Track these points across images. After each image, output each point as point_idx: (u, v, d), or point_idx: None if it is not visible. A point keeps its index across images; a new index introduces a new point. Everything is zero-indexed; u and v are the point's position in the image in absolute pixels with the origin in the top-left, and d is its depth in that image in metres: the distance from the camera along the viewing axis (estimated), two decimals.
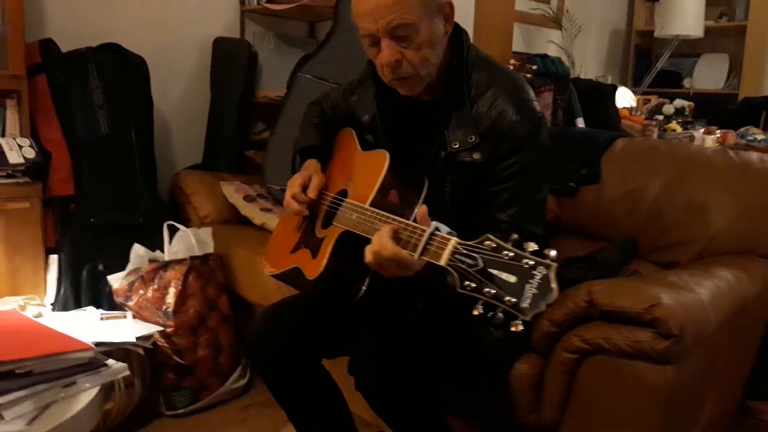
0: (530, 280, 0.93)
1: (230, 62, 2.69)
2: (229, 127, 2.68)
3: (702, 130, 3.09)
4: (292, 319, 1.41)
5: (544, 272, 0.92)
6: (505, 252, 0.96)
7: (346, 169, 1.49)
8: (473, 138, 1.28)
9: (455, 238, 1.02)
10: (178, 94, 2.71)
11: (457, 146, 1.30)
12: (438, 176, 1.32)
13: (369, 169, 1.37)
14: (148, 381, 1.93)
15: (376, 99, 1.42)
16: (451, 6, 1.28)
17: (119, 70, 2.30)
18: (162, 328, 1.96)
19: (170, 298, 2.01)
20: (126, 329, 1.86)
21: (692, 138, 2.99)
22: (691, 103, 3.46)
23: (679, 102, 3.44)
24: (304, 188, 1.44)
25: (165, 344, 1.98)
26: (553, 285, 0.91)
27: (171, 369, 1.99)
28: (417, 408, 1.23)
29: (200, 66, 2.73)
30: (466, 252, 0.99)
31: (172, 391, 1.99)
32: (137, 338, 1.83)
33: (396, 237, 1.11)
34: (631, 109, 3.48)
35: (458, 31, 1.33)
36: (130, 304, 2.01)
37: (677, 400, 1.28)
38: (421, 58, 1.24)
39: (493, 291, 0.94)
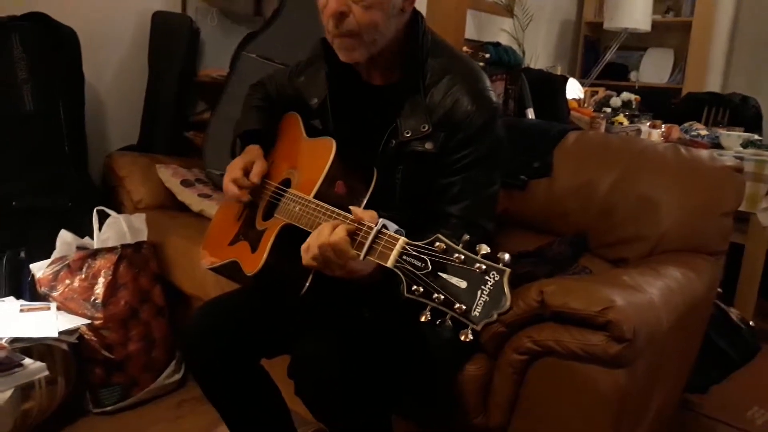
0: (482, 287, 0.87)
1: (170, 38, 2.54)
2: (167, 107, 2.53)
3: (648, 124, 3.12)
4: (229, 317, 1.32)
5: (497, 278, 0.86)
6: (456, 255, 0.89)
7: (290, 157, 1.40)
8: (426, 127, 1.22)
9: (403, 238, 0.95)
10: (113, 70, 2.54)
11: (409, 135, 1.23)
12: (388, 166, 1.26)
13: (314, 157, 1.29)
14: (73, 378, 1.80)
15: (327, 80, 1.33)
16: None
17: (47, 42, 2.13)
18: (89, 321, 1.84)
19: (99, 289, 1.88)
20: (48, 322, 1.73)
21: (639, 131, 3.01)
22: (638, 97, 3.49)
23: (626, 95, 3.47)
24: (246, 173, 1.34)
25: (93, 338, 1.85)
26: (506, 292, 0.85)
27: (99, 364, 1.86)
28: (360, 415, 1.16)
29: (137, 41, 2.57)
30: (414, 253, 0.93)
31: (100, 388, 1.87)
32: (61, 332, 1.71)
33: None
34: (579, 101, 3.49)
35: (414, 15, 1.26)
36: (55, 294, 1.87)
37: (627, 403, 1.25)
38: (368, 20, 1.16)
39: (443, 297, 0.88)
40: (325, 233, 1.03)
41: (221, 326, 1.31)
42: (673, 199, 1.64)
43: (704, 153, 1.73)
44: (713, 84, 4.47)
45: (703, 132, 3.11)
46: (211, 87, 2.57)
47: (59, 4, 2.27)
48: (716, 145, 2.94)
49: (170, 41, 2.53)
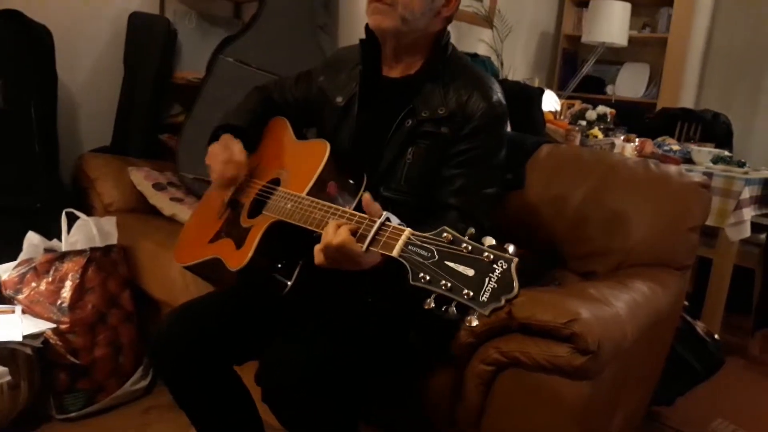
0: (490, 274, 0.87)
1: (147, 39, 2.52)
2: (141, 109, 2.51)
3: (622, 138, 3.16)
4: (198, 322, 1.31)
5: (505, 266, 0.87)
6: (464, 245, 0.90)
7: (278, 158, 1.42)
8: (443, 110, 1.30)
9: (409, 229, 0.97)
10: (88, 70, 2.52)
11: (426, 115, 1.30)
12: (400, 146, 1.32)
13: (306, 158, 1.31)
14: (36, 383, 1.77)
15: (361, 78, 1.40)
16: None
17: (19, 40, 2.10)
18: (55, 325, 1.80)
19: (66, 292, 1.85)
20: (13, 326, 1.70)
21: (613, 145, 3.05)
22: (613, 110, 3.54)
23: (601, 108, 3.51)
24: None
25: (58, 342, 1.81)
26: (515, 279, 0.86)
27: (64, 369, 1.83)
28: (326, 424, 1.16)
29: (113, 41, 2.54)
30: (420, 243, 0.93)
31: (64, 394, 1.83)
32: (25, 336, 1.68)
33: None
34: (555, 113, 3.53)
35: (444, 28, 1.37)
36: (20, 297, 1.84)
37: (591, 414, 1.27)
38: None
39: (449, 284, 0.88)
40: (330, 234, 1.04)
41: (190, 332, 1.30)
42: (642, 213, 1.66)
43: (673, 169, 1.75)
44: (687, 100, 4.55)
45: (676, 147, 3.16)
46: (187, 89, 2.55)
47: (34, 2, 2.24)
48: (688, 160, 2.98)
49: (147, 42, 2.51)
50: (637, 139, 3.14)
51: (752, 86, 4.43)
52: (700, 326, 2.03)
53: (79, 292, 1.86)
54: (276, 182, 1.34)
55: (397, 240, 0.96)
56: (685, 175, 1.72)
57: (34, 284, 1.85)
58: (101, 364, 1.89)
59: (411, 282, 0.91)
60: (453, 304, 0.88)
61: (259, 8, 2.38)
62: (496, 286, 0.86)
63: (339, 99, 1.42)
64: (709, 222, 2.52)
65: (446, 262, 0.90)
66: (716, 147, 3.20)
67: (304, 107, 1.52)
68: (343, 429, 1.22)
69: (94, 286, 1.90)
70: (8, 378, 1.49)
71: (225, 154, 1.37)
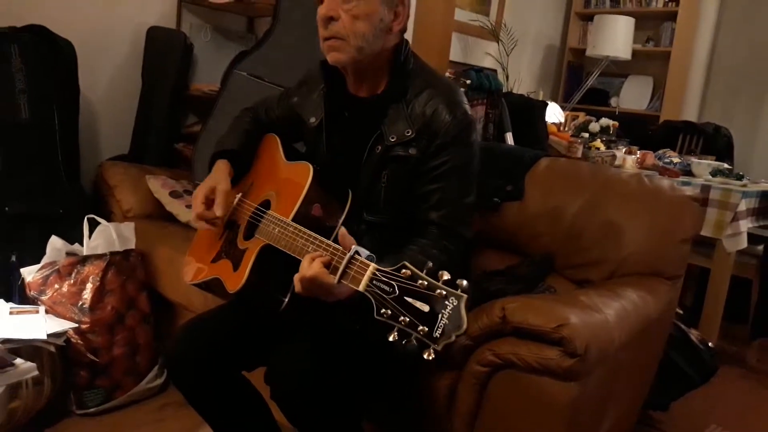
0: (442, 311, 0.97)
1: (164, 53, 2.63)
2: (158, 119, 2.62)
3: (624, 150, 3.24)
4: (209, 337, 1.39)
5: (455, 303, 0.97)
6: (420, 281, 0.99)
7: (269, 179, 1.49)
8: (410, 132, 1.33)
9: (374, 264, 1.05)
10: (108, 81, 2.63)
11: (394, 139, 1.33)
12: (374, 171, 1.36)
13: (292, 181, 1.38)
14: (59, 379, 1.87)
15: (325, 100, 1.44)
16: (404, 4, 1.34)
17: (45, 54, 2.21)
18: (76, 325, 1.90)
19: (87, 294, 1.95)
20: (37, 325, 1.80)
21: (614, 157, 3.12)
22: (616, 123, 3.61)
23: (604, 121, 3.59)
24: (209, 201, 1.43)
25: (79, 341, 1.91)
26: (463, 316, 0.96)
27: (84, 367, 1.93)
28: (332, 421, 1.24)
29: (132, 54, 2.66)
30: (384, 279, 1.02)
31: (84, 390, 1.93)
32: (49, 335, 1.77)
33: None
34: (559, 125, 3.61)
35: (402, 40, 1.39)
36: (44, 298, 1.94)
37: (580, 414, 1.34)
38: (353, 28, 1.28)
39: (408, 319, 0.98)
40: (305, 266, 1.13)
41: (202, 346, 1.38)
42: (635, 225, 1.73)
43: (665, 182, 1.83)
44: (690, 112, 4.62)
45: (676, 159, 3.23)
46: (203, 100, 2.65)
47: (58, 17, 2.36)
48: (688, 172, 3.06)
49: (164, 55, 2.62)
50: (638, 152, 3.21)
51: (754, 100, 4.50)
52: (694, 334, 2.10)
53: (99, 294, 1.96)
54: (267, 203, 1.41)
55: (363, 274, 1.04)
56: (677, 188, 1.80)
57: (57, 286, 1.95)
58: (119, 362, 1.99)
59: (375, 316, 1.00)
60: (412, 337, 0.97)
61: (273, 24, 2.48)
62: (447, 322, 0.96)
63: (312, 120, 1.46)
64: (707, 233, 2.60)
65: (405, 298, 1.00)
66: (717, 160, 3.27)
67: (287, 125, 1.57)
68: (347, 427, 1.30)
69: (114, 289, 2.00)
70: (36, 373, 1.59)
71: (200, 209, 1.41)
